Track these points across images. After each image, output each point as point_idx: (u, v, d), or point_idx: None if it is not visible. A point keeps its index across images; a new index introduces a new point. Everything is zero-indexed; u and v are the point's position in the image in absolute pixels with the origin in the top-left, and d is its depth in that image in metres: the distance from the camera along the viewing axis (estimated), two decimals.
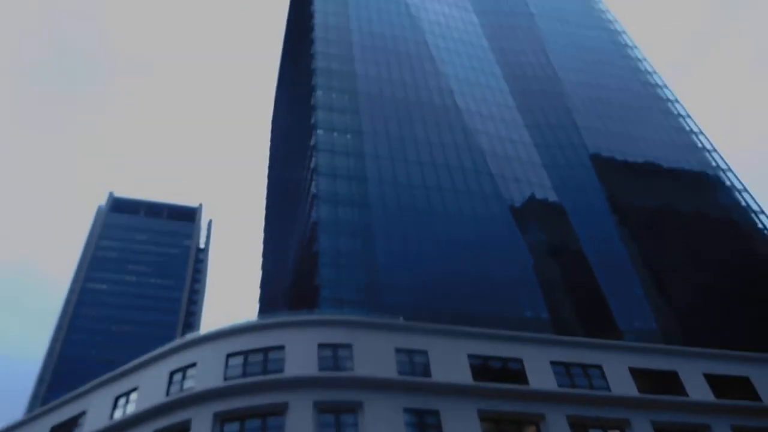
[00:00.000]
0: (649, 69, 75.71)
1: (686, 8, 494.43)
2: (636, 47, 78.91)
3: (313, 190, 48.85)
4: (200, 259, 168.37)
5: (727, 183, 61.44)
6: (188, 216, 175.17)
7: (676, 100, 71.39)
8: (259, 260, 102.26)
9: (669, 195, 58.61)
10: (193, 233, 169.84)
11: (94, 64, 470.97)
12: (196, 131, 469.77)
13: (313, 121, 54.47)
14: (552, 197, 55.87)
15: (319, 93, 56.91)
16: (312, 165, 50.99)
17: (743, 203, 59.43)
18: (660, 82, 73.65)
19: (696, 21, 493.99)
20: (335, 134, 53.43)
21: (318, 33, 64.19)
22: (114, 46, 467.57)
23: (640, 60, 76.83)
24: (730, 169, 62.86)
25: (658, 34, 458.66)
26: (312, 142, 52.92)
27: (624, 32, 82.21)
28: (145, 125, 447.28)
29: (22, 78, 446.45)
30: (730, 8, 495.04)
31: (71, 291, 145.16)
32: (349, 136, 53.83)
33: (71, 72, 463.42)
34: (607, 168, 59.97)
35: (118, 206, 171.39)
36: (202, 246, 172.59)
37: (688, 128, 67.73)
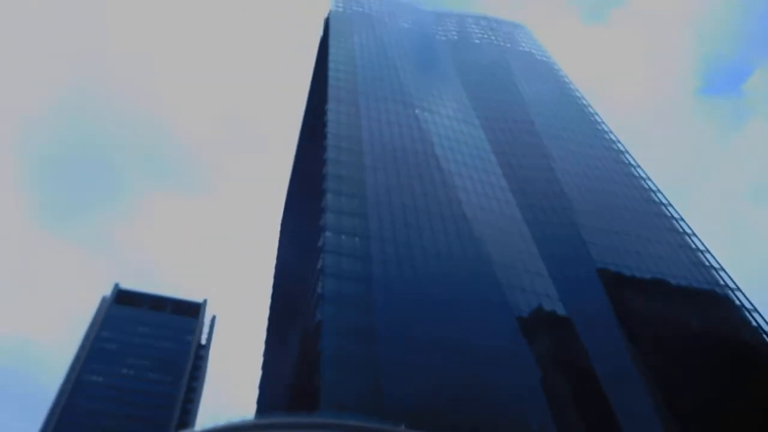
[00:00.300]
0: (653, 187, 77.76)
1: (688, 126, 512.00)
2: (639, 166, 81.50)
3: (318, 290, 49.14)
4: (200, 355, 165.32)
5: (737, 302, 61.06)
6: (192, 311, 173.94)
7: (681, 218, 72.61)
8: (260, 359, 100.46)
9: (678, 312, 58.24)
10: (196, 329, 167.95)
11: (106, 164, 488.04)
12: (205, 226, 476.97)
13: (322, 222, 55.77)
14: (559, 309, 55.68)
15: (329, 196, 58.70)
16: (319, 266, 51.61)
17: (754, 323, 58.75)
18: (664, 200, 75.33)
19: (699, 138, 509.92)
20: (343, 237, 54.51)
21: (330, 141, 67.33)
22: (124, 143, 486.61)
23: (644, 179, 79.09)
24: (738, 288, 62.67)
25: (660, 150, 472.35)
26: (320, 243, 53.88)
27: (626, 152, 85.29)
28: (154, 218, 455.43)
29: (32, 161, 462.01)
30: (731, 128, 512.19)
31: (66, 381, 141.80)
32: (357, 239, 54.86)
33: (81, 164, 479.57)
34: (615, 283, 60.13)
35: (123, 298, 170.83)
36: (203, 342, 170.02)
37: (694, 246, 68.35)
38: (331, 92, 78.25)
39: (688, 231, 70.73)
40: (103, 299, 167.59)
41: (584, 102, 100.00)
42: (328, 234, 54.32)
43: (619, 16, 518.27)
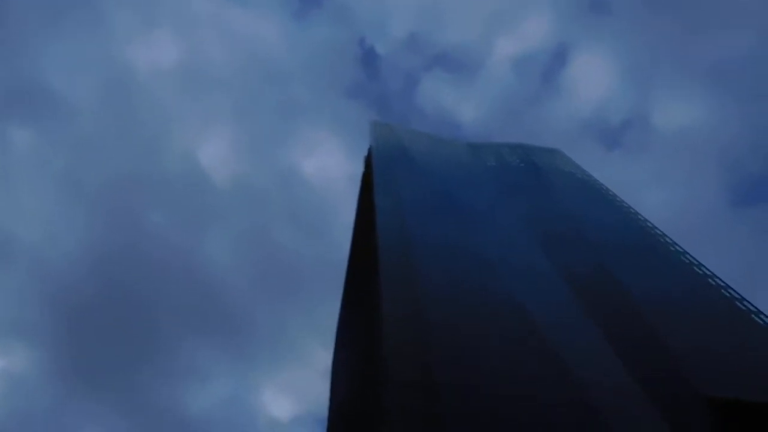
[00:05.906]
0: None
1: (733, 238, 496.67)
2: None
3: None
4: None
5: None
6: None
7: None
8: None
9: None
10: None
11: (147, 316, 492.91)
12: (249, 373, 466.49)
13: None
14: None
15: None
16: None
17: None
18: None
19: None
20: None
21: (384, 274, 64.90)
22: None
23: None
24: None
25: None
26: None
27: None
28: (194, 372, 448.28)
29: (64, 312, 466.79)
30: None
31: None
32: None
33: (117, 316, 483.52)
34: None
35: None
36: None
37: None
38: (380, 223, 77.46)
39: None
40: None
41: (629, 208, 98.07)
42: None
43: (635, 141, 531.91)
